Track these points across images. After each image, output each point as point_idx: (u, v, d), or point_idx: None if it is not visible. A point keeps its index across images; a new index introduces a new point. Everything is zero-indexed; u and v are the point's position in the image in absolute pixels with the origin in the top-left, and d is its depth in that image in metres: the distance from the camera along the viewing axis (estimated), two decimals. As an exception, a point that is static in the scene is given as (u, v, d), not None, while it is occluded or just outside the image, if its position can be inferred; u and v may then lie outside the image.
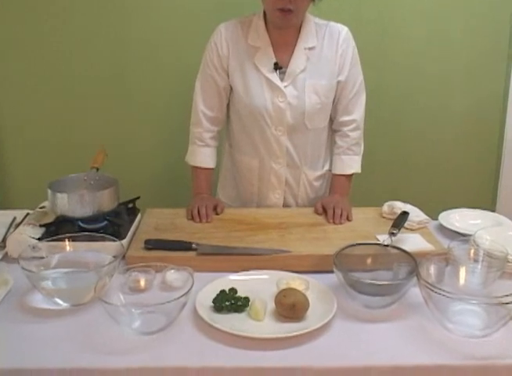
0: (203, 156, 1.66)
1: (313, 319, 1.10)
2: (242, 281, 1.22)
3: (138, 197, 1.61)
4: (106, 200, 1.44)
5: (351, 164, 1.68)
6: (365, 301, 1.16)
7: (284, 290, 1.14)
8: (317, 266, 1.29)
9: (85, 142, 2.10)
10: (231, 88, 1.61)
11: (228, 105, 1.65)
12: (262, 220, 1.53)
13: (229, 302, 1.13)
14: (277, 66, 1.56)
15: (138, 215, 1.57)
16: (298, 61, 1.56)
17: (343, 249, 1.23)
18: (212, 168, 1.69)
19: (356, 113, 1.64)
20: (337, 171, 1.69)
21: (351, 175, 1.69)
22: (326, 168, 1.75)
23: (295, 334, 1.05)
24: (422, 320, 1.12)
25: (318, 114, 1.60)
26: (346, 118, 1.65)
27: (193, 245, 1.33)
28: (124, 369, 0.99)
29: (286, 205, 1.71)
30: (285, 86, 1.56)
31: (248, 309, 1.14)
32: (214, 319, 1.09)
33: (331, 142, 1.71)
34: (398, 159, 2.33)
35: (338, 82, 1.60)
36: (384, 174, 2.33)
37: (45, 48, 2.12)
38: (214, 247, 1.33)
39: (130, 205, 1.58)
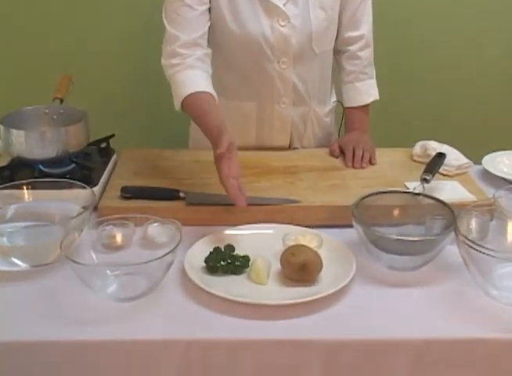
0: (192, 80, 1.43)
1: (327, 282, 1.11)
2: (240, 237, 1.23)
3: (112, 135, 1.60)
4: (72, 139, 1.44)
5: (367, 90, 1.68)
6: (390, 262, 1.16)
7: (292, 247, 1.15)
8: (332, 219, 1.30)
9: (46, 68, 2.11)
10: (211, 16, 1.51)
11: (207, 39, 1.53)
12: (267, 163, 1.53)
13: (225, 262, 1.14)
14: None
15: (113, 157, 1.57)
16: None
17: (364, 198, 1.23)
18: (214, 97, 1.43)
19: (364, 26, 1.64)
20: (353, 102, 1.69)
21: (368, 105, 1.70)
22: (334, 98, 1.76)
23: (305, 300, 1.05)
24: (460, 285, 1.13)
25: (325, 33, 1.58)
26: (353, 34, 1.64)
27: (181, 193, 1.34)
28: (96, 343, 0.99)
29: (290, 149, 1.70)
30: (284, 4, 1.51)
31: (248, 270, 1.14)
32: (207, 283, 1.09)
33: (337, 69, 1.71)
34: (433, 92, 2.35)
35: None
36: (415, 109, 2.35)
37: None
38: (207, 196, 1.34)
39: (103, 145, 1.58)
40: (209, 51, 1.50)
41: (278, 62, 1.55)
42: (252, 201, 1.30)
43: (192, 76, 1.44)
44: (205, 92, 1.41)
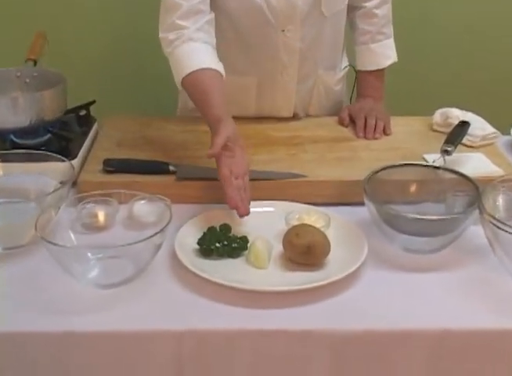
0: (192, 55, 1.38)
1: (335, 266, 1.12)
2: (237, 216, 1.21)
3: (93, 101, 1.60)
4: (48, 105, 1.44)
5: (384, 52, 1.67)
6: (406, 244, 1.17)
7: (296, 227, 1.15)
8: (341, 196, 1.30)
9: (18, 25, 2.11)
10: None
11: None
12: (267, 133, 1.54)
13: (221, 244, 1.14)
14: None
15: (94, 126, 1.58)
16: None
17: (377, 172, 1.24)
18: (221, 74, 1.38)
19: None
20: (367, 66, 1.70)
21: (384, 69, 1.70)
22: (345, 63, 1.76)
23: (310, 286, 1.05)
24: (484, 271, 1.13)
25: None
26: None
27: (171, 167, 1.34)
28: (77, 334, 1.00)
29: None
30: None
31: (247, 252, 1.15)
32: (201, 267, 1.09)
33: (350, 28, 1.71)
34: (455, 51, 2.35)
35: None
36: (435, 72, 2.35)
37: None
38: (200, 170, 1.33)
39: (82, 112, 1.58)
40: (212, 16, 1.45)
41: (283, 30, 1.54)
42: (250, 176, 1.29)
43: (192, 51, 1.38)
44: (207, 70, 1.35)
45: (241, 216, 1.18)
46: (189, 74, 1.34)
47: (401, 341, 1.01)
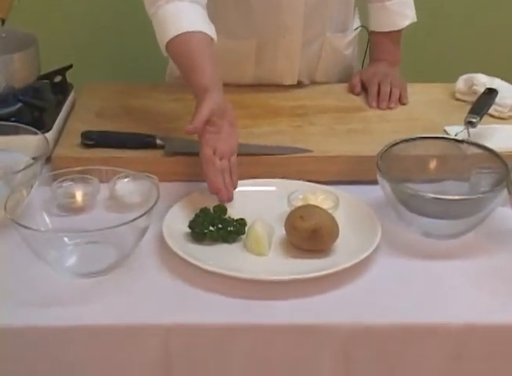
0: (177, 17, 1.35)
1: (344, 253, 1.12)
2: (235, 195, 1.22)
3: (70, 66, 1.60)
4: (18, 70, 1.44)
5: (402, 11, 1.68)
6: (425, 227, 1.17)
7: (301, 208, 1.15)
8: (352, 174, 1.31)
9: None
10: None
11: None
12: (268, 102, 1.54)
13: (215, 227, 1.15)
14: None
15: (71, 94, 1.58)
16: None
17: (392, 147, 1.24)
18: (211, 38, 1.36)
19: None
20: (382, 27, 1.71)
21: (401, 31, 1.70)
22: (357, 23, 1.77)
23: (316, 275, 1.06)
24: None
25: None
26: None
27: (158, 140, 1.35)
28: (53, 329, 1.00)
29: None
30: None
31: (244, 237, 1.15)
32: (192, 254, 1.10)
33: None
34: (482, 10, 2.36)
35: None
36: (458, 32, 2.36)
37: None
38: (191, 144, 1.32)
39: (57, 78, 1.58)
40: None
41: None
42: (247, 150, 1.29)
43: (178, 11, 1.35)
44: (195, 33, 1.32)
45: (222, 202, 1.18)
46: (175, 37, 1.31)
47: (419, 338, 1.01)
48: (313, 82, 1.70)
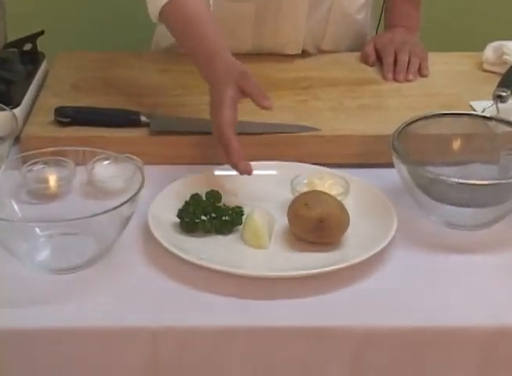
0: None
1: (355, 246, 1.12)
2: (230, 180, 1.24)
3: (41, 32, 1.59)
4: None
5: None
6: (448, 216, 1.17)
7: (305, 195, 1.15)
8: (364, 156, 1.32)
9: None
10: None
11: None
12: (269, 74, 1.53)
13: (208, 217, 1.15)
14: None
15: (43, 64, 1.58)
16: None
17: (410, 125, 1.24)
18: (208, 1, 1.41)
19: None
20: None
21: None
22: None
23: (323, 270, 1.06)
24: None
25: None
26: None
27: (143, 117, 1.35)
28: (21, 332, 1.00)
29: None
30: None
31: (241, 228, 1.15)
32: (182, 247, 1.10)
33: None
34: None
35: None
36: None
37: None
38: (181, 121, 1.34)
39: (27, 46, 1.58)
40: None
41: None
42: (246, 129, 1.29)
43: None
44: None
45: (245, 173, 1.18)
46: (168, 3, 1.34)
47: (441, 343, 1.01)
48: (320, 51, 1.70)
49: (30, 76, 1.50)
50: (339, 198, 1.15)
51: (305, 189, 1.18)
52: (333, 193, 1.16)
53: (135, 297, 1.04)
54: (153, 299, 1.04)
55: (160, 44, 1.74)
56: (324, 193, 1.15)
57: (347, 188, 1.19)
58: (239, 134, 1.26)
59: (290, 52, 1.65)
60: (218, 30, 1.31)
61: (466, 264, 1.11)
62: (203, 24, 1.32)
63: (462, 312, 1.03)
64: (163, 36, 1.69)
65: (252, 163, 1.24)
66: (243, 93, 1.23)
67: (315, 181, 1.20)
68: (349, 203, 1.16)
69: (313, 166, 1.26)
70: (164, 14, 1.35)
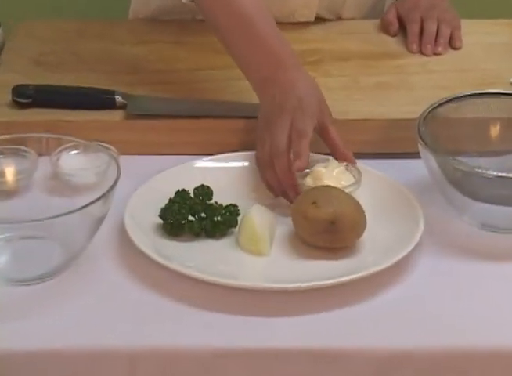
0: None
1: (373, 251, 1.13)
2: (223, 172, 1.26)
3: None
4: None
5: None
6: (483, 217, 1.18)
7: (313, 191, 1.16)
8: (383, 144, 1.34)
9: None
10: None
11: None
12: None
13: (197, 217, 1.16)
14: None
15: None
16: None
17: (439, 107, 1.25)
18: None
19: None
20: None
21: None
22: None
23: (336, 281, 1.06)
24: None
25: None
26: None
27: (118, 97, 1.36)
28: None
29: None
30: None
31: (237, 230, 1.16)
32: (165, 253, 1.11)
33: None
34: None
35: None
36: None
37: None
38: (163, 103, 1.36)
39: None
40: None
41: None
42: (243, 112, 1.31)
43: None
44: None
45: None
46: None
47: (477, 366, 1.01)
48: (338, 19, 1.71)
49: (-16, 49, 1.53)
50: (349, 190, 1.16)
51: (309, 180, 1.19)
52: (342, 183, 1.17)
53: (109, 312, 1.04)
54: (130, 315, 1.04)
55: (138, 12, 1.74)
56: (336, 188, 1.15)
57: (359, 178, 1.20)
58: (232, 117, 1.29)
59: (302, 19, 1.65)
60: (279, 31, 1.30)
61: (506, 272, 1.12)
62: (257, 24, 1.31)
63: (502, 329, 1.03)
64: (143, 2, 1.71)
65: (247, 153, 1.27)
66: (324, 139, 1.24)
67: (320, 170, 1.20)
68: (365, 199, 1.16)
69: (321, 156, 1.26)
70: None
